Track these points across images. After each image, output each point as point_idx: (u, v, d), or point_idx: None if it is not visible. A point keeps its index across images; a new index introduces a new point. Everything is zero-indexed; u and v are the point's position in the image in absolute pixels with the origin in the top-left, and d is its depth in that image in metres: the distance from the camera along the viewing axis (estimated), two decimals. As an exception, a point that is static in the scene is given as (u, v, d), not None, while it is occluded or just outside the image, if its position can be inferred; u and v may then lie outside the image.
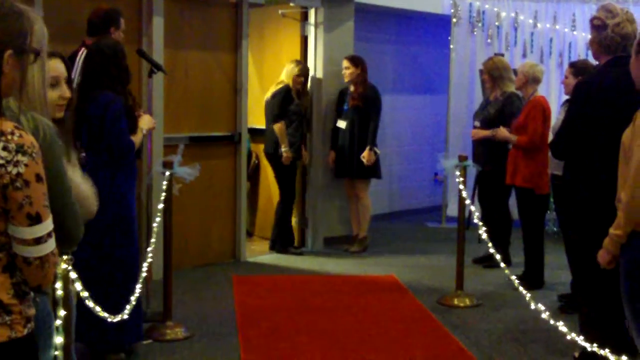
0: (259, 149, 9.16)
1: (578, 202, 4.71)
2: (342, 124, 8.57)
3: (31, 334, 2.27)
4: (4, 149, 2.11)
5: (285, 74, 8.40)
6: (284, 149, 8.23)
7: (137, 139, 5.13)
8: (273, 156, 8.40)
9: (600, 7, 4.76)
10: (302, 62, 8.60)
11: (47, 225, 2.18)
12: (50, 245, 2.19)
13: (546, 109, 7.16)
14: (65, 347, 2.95)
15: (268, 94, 8.46)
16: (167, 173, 5.64)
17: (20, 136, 2.13)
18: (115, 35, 5.65)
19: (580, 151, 4.72)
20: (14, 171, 2.11)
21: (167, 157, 5.86)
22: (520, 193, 7.23)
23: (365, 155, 8.44)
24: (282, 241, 8.52)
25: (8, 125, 2.14)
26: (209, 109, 7.83)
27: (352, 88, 8.51)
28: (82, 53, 5.46)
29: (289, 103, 8.32)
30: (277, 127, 8.24)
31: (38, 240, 2.16)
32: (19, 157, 2.11)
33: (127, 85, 5.16)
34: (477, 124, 7.86)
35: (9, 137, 2.12)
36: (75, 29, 6.22)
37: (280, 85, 8.36)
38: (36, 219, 2.15)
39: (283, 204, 8.48)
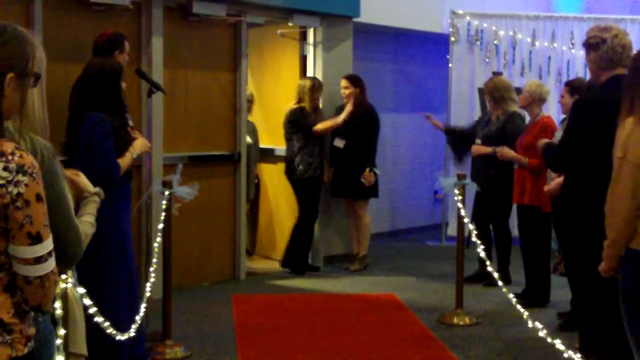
0: (260, 167, 9.18)
1: (576, 219, 4.72)
2: (339, 142, 8.56)
3: (31, 353, 2.28)
4: (5, 169, 2.13)
5: (302, 91, 8.40)
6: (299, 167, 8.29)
7: (124, 161, 5.05)
8: (291, 175, 8.40)
9: (591, 28, 4.82)
10: (316, 78, 8.60)
11: (48, 244, 2.19)
12: (51, 264, 2.20)
13: (554, 129, 7.11)
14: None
15: (285, 114, 8.46)
16: (167, 192, 5.65)
17: (21, 156, 2.16)
18: (119, 59, 5.68)
19: (578, 167, 4.74)
20: (15, 191, 2.13)
21: (166, 176, 5.87)
22: (526, 212, 7.18)
23: (366, 177, 8.45)
24: (297, 261, 8.47)
25: (8, 146, 2.16)
26: (208, 128, 7.85)
27: (349, 107, 8.49)
28: None
29: (305, 121, 8.31)
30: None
31: (39, 260, 2.17)
32: (20, 177, 2.14)
33: (120, 106, 5.13)
34: (478, 141, 7.88)
35: (10, 157, 2.14)
36: (76, 49, 6.26)
37: (300, 104, 8.37)
38: (37, 239, 2.17)
39: (301, 223, 8.44)
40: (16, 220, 2.14)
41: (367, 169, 8.44)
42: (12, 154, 2.15)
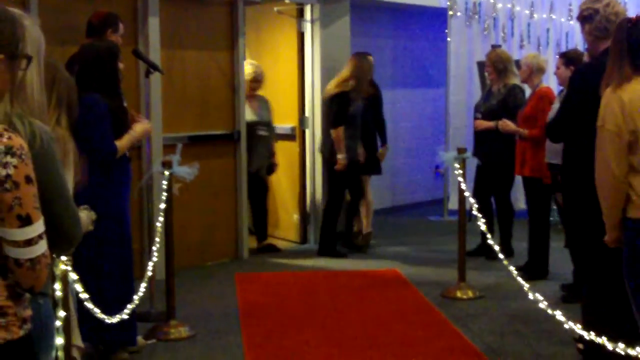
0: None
1: (577, 190, 4.72)
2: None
3: (28, 335, 2.28)
4: None
5: (352, 69, 8.19)
6: (339, 156, 8.05)
7: (122, 143, 5.02)
8: (328, 160, 8.30)
9: (583, 1, 4.81)
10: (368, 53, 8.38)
11: (38, 227, 2.18)
12: (42, 247, 2.19)
13: (552, 99, 7.10)
14: (66, 348, 2.96)
15: (326, 94, 8.29)
16: (167, 173, 5.65)
17: (10, 138, 2.13)
18: (112, 39, 5.65)
19: (577, 137, 4.73)
20: (3, 172, 2.11)
21: (166, 156, 5.86)
22: (528, 183, 7.21)
23: (382, 152, 8.50)
24: (327, 246, 8.35)
25: None
26: (207, 107, 7.83)
27: None
28: None
29: (348, 106, 8.13)
30: (335, 132, 8.07)
31: (29, 242, 2.15)
32: (8, 158, 2.11)
33: (116, 88, 5.11)
34: (479, 115, 7.86)
35: None
36: (72, 32, 6.24)
37: (340, 88, 8.11)
38: (26, 221, 2.15)
39: (328, 210, 8.35)
40: (5, 202, 2.12)
41: (385, 145, 8.52)
42: (1, 135, 2.12)
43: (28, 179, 2.15)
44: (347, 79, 8.12)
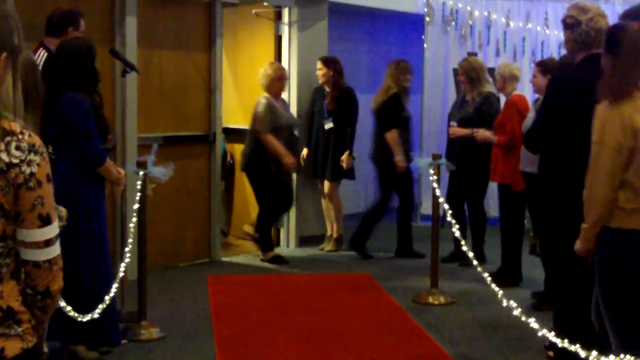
0: (234, 148, 9.14)
1: (551, 198, 4.74)
2: (328, 125, 8.48)
3: (40, 341, 2.25)
4: (17, 148, 2.05)
5: (391, 76, 8.28)
6: (398, 158, 8.07)
7: (109, 164, 5.07)
8: (382, 164, 8.31)
9: (570, 6, 4.79)
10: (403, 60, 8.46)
11: (55, 227, 2.14)
12: (58, 247, 2.15)
13: (521, 107, 7.14)
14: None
15: (378, 101, 8.30)
16: (141, 173, 5.63)
17: (30, 136, 2.09)
18: (73, 36, 5.53)
19: (553, 146, 4.74)
20: (28, 171, 2.06)
21: (141, 157, 5.84)
22: (499, 190, 7.29)
23: (344, 159, 8.44)
24: (404, 248, 8.43)
25: (16, 125, 2.08)
26: (183, 108, 7.81)
27: (327, 89, 8.47)
28: (41, 53, 5.38)
29: (400, 110, 8.20)
30: (390, 135, 8.11)
31: (48, 243, 2.11)
32: (32, 156, 2.07)
33: (95, 87, 5.10)
34: (454, 123, 7.90)
35: (20, 136, 2.07)
36: (34, 29, 6.15)
37: (391, 91, 8.19)
38: (47, 221, 2.10)
39: (375, 211, 8.40)
40: (28, 201, 2.06)
41: (347, 152, 8.43)
42: (22, 133, 2.07)
43: (49, 178, 2.11)
44: (390, 86, 8.23)
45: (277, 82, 8.17)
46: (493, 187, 7.94)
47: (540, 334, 4.50)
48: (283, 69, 8.37)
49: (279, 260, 8.12)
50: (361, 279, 7.54)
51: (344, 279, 7.59)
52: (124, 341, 5.53)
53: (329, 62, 8.48)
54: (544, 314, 5.62)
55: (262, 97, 8.11)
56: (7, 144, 2.04)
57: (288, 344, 5.65)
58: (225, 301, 6.70)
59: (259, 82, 8.17)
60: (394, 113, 8.15)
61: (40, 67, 5.16)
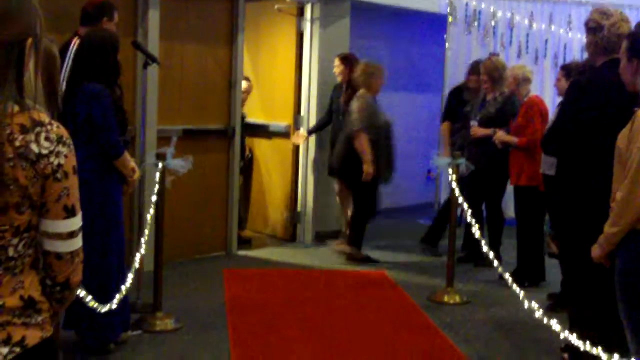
0: (253, 143, 9.16)
1: (570, 201, 4.73)
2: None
3: (56, 330, 2.25)
4: (47, 139, 2.04)
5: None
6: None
7: (125, 157, 5.06)
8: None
9: (593, 10, 4.78)
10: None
11: (79, 219, 2.14)
12: (80, 239, 2.16)
13: (542, 108, 7.14)
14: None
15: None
16: (160, 165, 5.64)
17: (58, 127, 2.09)
18: (107, 26, 5.62)
19: (572, 150, 4.73)
20: (56, 162, 2.05)
21: (160, 149, 5.85)
22: (524, 192, 7.19)
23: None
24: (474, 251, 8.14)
25: (44, 116, 2.08)
26: (203, 102, 7.82)
27: (344, 86, 8.43)
28: (75, 43, 5.43)
29: (460, 104, 8.17)
30: (442, 127, 8.16)
31: (71, 235, 2.12)
32: (60, 147, 2.06)
33: (116, 79, 5.12)
34: (475, 123, 7.86)
35: (49, 127, 2.06)
36: (69, 22, 6.21)
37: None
38: (72, 212, 2.10)
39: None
40: (55, 192, 2.06)
41: None
42: (50, 124, 2.06)
43: (75, 170, 2.11)
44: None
45: (379, 82, 8.18)
46: (508, 187, 7.89)
47: (562, 336, 4.48)
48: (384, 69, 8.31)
49: (368, 260, 8.09)
50: (377, 276, 7.54)
51: (359, 275, 7.59)
52: (138, 331, 5.56)
53: (346, 59, 8.45)
54: (559, 316, 5.61)
55: (359, 96, 8.03)
56: (37, 135, 2.03)
57: (302, 339, 5.66)
58: (241, 295, 6.72)
59: (357, 79, 8.08)
60: (448, 106, 8.47)
61: (72, 56, 5.22)
